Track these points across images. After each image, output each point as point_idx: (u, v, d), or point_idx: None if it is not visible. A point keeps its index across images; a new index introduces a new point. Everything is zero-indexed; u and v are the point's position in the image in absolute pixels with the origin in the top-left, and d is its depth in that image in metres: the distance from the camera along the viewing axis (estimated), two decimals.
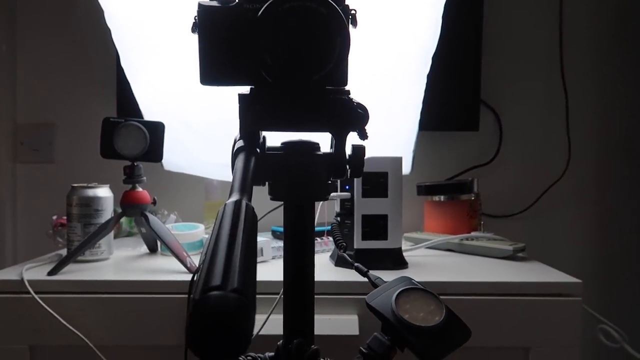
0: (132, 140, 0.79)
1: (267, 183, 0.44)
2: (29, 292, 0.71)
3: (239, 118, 0.41)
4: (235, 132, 0.41)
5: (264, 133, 0.43)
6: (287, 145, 0.43)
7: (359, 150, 0.44)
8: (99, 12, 0.90)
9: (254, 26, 0.36)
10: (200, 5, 0.40)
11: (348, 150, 0.43)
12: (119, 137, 0.79)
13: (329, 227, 0.74)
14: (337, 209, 0.83)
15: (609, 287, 1.24)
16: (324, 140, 0.45)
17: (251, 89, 0.41)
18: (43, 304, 0.70)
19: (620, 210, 1.24)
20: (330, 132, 0.42)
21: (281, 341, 0.44)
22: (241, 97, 0.41)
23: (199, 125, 0.97)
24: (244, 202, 0.32)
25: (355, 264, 0.56)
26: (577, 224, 1.24)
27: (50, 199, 1.21)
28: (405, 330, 0.45)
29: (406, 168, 1.02)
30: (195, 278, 0.72)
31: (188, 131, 0.99)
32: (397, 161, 0.81)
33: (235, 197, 0.32)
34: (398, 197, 0.80)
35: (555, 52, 1.21)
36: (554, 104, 1.22)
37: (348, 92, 0.41)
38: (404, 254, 0.84)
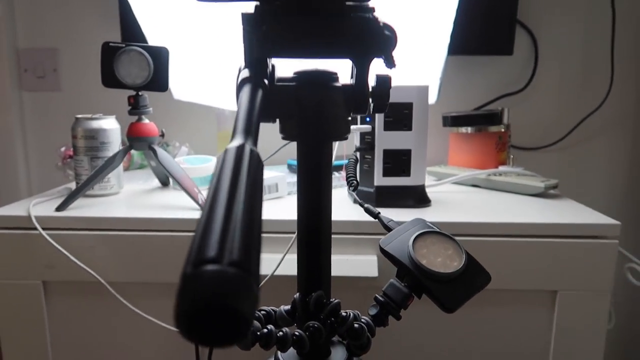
0: (135, 67, 0.73)
1: (277, 120, 0.38)
2: (37, 229, 0.69)
3: (243, 42, 0.35)
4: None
5: (273, 61, 0.36)
6: (299, 75, 0.37)
7: (384, 81, 0.37)
8: None
9: None
10: None
11: (371, 81, 0.37)
12: (120, 64, 0.73)
13: (348, 162, 0.69)
14: (357, 142, 0.77)
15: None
16: (343, 69, 0.38)
17: (256, 6, 0.34)
18: (52, 241, 0.68)
19: None
20: (351, 59, 0.35)
21: (297, 294, 0.40)
22: (245, 17, 0.34)
23: (208, 51, 0.90)
24: (247, 148, 0.26)
25: (366, 205, 0.51)
26: (614, 158, 1.16)
27: (59, 128, 1.17)
28: (423, 276, 0.42)
29: (432, 97, 0.95)
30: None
31: (197, 58, 0.92)
32: (423, 91, 0.73)
33: (238, 141, 0.26)
34: (423, 131, 0.74)
35: None
36: (599, 25, 1.10)
37: (372, 10, 0.34)
38: (428, 189, 0.79)
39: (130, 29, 1.06)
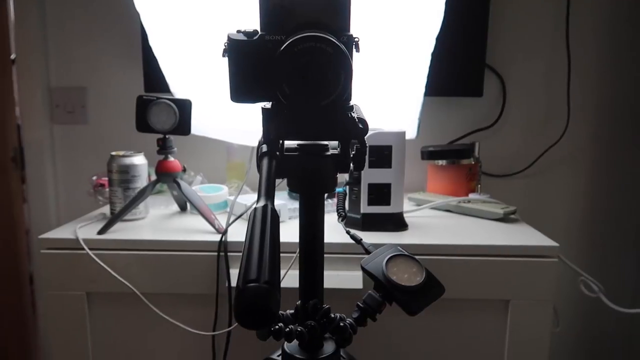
0: (164, 116, 0.89)
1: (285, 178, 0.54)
2: (83, 249, 0.84)
3: (262, 127, 0.50)
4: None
5: None
6: (301, 147, 0.53)
7: (360, 151, 0.53)
8: None
9: (274, 62, 0.44)
10: (229, 38, 0.48)
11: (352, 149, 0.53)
12: (151, 114, 0.88)
13: (342, 189, 0.84)
14: (347, 177, 0.93)
15: (593, 243, 1.35)
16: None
17: (272, 104, 0.50)
18: (97, 259, 0.83)
19: (610, 173, 1.33)
20: (337, 141, 0.51)
21: (299, 301, 0.56)
22: (264, 110, 0.50)
23: (221, 95, 1.06)
24: (269, 207, 0.42)
25: (351, 233, 0.66)
26: (572, 184, 1.32)
27: (86, 157, 1.33)
28: (393, 288, 0.56)
29: (412, 133, 1.11)
30: (223, 239, 0.84)
31: (211, 100, 1.07)
32: (401, 135, 0.89)
33: (262, 202, 0.42)
34: (400, 168, 0.90)
35: (561, 17, 1.24)
36: (557, 68, 1.27)
37: (352, 108, 0.49)
38: (408, 214, 0.94)
39: (152, 72, 1.22)
